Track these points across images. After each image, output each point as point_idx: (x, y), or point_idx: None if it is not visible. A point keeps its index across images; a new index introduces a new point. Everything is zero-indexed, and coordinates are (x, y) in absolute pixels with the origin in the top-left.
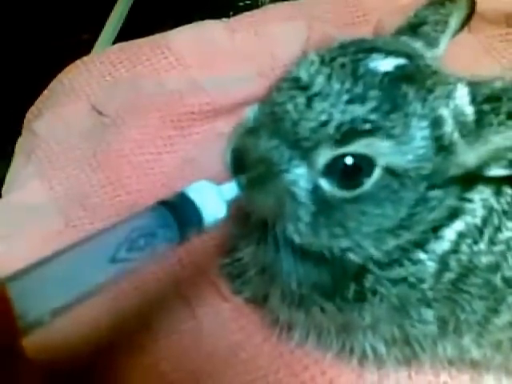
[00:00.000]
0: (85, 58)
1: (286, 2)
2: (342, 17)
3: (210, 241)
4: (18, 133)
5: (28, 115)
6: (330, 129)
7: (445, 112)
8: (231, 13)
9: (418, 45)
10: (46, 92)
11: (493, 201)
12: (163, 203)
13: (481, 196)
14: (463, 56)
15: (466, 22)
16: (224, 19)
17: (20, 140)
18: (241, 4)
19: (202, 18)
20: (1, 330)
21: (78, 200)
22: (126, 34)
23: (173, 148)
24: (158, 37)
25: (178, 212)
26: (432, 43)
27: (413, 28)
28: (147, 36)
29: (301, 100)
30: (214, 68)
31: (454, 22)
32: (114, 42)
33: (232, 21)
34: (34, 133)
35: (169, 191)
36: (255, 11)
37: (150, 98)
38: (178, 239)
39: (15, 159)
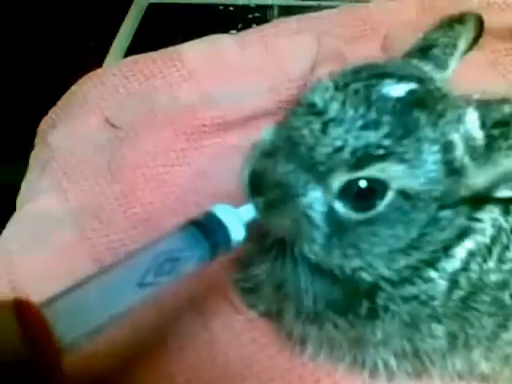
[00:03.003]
0: (99, 70)
1: (294, 16)
2: (349, 30)
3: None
4: (25, 138)
5: (41, 126)
6: (345, 154)
7: (455, 137)
8: (240, 25)
9: (427, 68)
10: (59, 103)
11: (501, 220)
12: (193, 223)
13: (490, 215)
14: (468, 71)
15: (474, 43)
16: (233, 31)
17: (34, 151)
18: (250, 16)
19: (211, 30)
20: (44, 352)
21: (93, 212)
22: (136, 46)
23: (185, 161)
24: (170, 50)
25: (208, 231)
26: (442, 66)
27: (423, 51)
28: (156, 48)
29: (316, 126)
30: (225, 82)
31: (463, 44)
32: (126, 55)
33: (243, 35)
34: (48, 145)
35: (182, 203)
36: (265, 26)
37: (163, 110)
38: (209, 258)
39: (30, 170)
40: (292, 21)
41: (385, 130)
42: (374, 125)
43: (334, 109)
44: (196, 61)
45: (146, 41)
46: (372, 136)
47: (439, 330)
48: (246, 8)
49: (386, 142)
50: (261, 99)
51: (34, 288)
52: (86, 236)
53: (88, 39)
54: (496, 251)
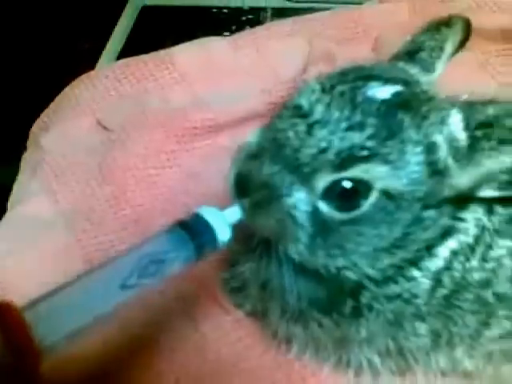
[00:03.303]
0: (91, 73)
1: (287, 19)
2: (342, 32)
3: (211, 255)
4: (18, 139)
5: (33, 128)
6: (330, 155)
7: (439, 138)
8: (234, 27)
9: (414, 70)
10: (52, 105)
11: (485, 220)
12: (179, 224)
13: (473, 215)
14: (459, 72)
15: (461, 45)
16: (226, 34)
17: (26, 154)
18: (243, 18)
19: (205, 33)
20: (24, 355)
21: (84, 214)
22: (130, 48)
23: (176, 162)
24: (162, 53)
25: (194, 232)
26: (428, 68)
27: (410, 54)
28: (150, 51)
29: (301, 128)
30: (217, 84)
31: (450, 47)
32: (119, 57)
33: (235, 37)
34: (40, 147)
35: (172, 205)
36: (257, 28)
37: (154, 113)
38: (195, 259)
39: (21, 172)
40: (285, 23)
41: (369, 131)
42: (358, 126)
43: (319, 111)
44: (188, 63)
45: (140, 43)
46: (356, 137)
47: (423, 328)
48: (239, 10)
49: (370, 144)
50: (252, 101)
51: (24, 290)
52: (76, 237)
53: (82, 41)
54: (479, 250)
